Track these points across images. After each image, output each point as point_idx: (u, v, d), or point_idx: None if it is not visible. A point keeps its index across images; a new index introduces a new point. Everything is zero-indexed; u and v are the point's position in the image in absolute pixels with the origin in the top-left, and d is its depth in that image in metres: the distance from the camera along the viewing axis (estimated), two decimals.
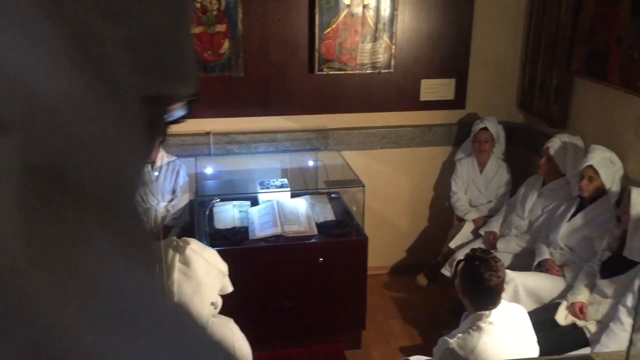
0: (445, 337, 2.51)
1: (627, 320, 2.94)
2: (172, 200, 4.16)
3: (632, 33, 3.33)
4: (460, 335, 2.41)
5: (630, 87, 3.37)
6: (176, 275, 2.13)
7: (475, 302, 2.48)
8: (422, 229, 4.86)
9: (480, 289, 2.45)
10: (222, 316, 2.32)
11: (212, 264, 2.26)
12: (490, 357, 2.30)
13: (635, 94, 3.33)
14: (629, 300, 2.97)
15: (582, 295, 3.26)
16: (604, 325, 3.06)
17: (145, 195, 4.09)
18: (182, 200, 4.18)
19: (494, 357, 2.30)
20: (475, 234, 4.35)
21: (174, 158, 4.18)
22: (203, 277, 2.18)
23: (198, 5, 3.98)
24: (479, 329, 2.39)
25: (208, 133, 4.29)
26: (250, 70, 4.22)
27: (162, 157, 4.13)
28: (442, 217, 4.74)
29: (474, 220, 4.38)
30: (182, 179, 4.18)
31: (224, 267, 2.41)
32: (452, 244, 4.37)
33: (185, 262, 2.17)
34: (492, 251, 3.96)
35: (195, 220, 3.88)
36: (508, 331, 2.44)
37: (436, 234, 4.73)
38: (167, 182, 4.14)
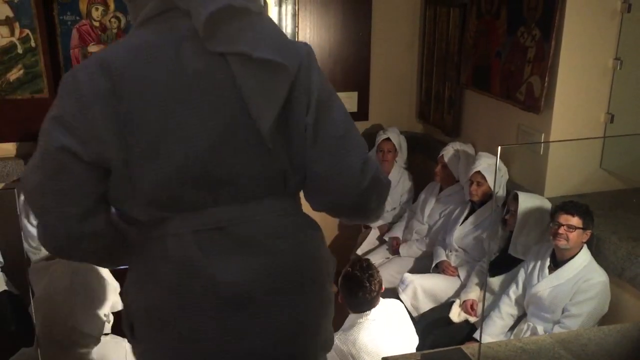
0: None
1: (505, 310, 3.18)
2: None
3: (508, 48, 3.61)
4: (341, 332, 2.55)
5: (510, 98, 3.64)
6: (67, 288, 2.16)
7: (354, 309, 2.64)
8: (332, 238, 5.01)
9: (356, 302, 2.62)
10: (115, 336, 2.35)
11: (107, 279, 2.30)
12: (371, 348, 2.46)
13: (514, 104, 3.61)
14: (512, 291, 3.21)
15: (473, 293, 3.48)
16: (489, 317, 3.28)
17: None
18: None
19: (374, 348, 2.46)
20: (381, 240, 4.53)
21: None
22: (96, 291, 2.22)
23: (97, 24, 3.98)
24: (359, 324, 2.55)
25: None
26: None
27: None
28: (351, 225, 4.91)
29: (379, 227, 4.56)
30: None
31: (116, 284, 2.45)
32: (359, 251, 4.53)
33: (78, 274, 2.21)
34: (390, 257, 4.18)
35: None
36: (387, 326, 2.60)
37: (345, 242, 4.88)
38: None
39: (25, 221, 4.00)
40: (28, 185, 1.27)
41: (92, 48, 4.03)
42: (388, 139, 4.51)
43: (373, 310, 2.58)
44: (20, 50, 3.89)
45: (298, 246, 1.37)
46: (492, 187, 3.68)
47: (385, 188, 1.44)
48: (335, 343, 2.47)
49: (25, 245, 3.99)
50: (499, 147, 1.33)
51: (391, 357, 1.97)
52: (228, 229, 1.30)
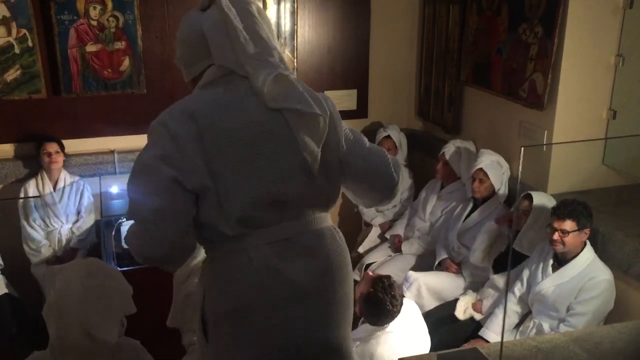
0: None
1: (510, 307, 3.18)
2: (77, 221, 4.08)
3: (509, 45, 3.61)
4: (359, 343, 2.53)
5: (511, 95, 3.64)
6: (82, 292, 2.14)
7: (368, 318, 2.62)
8: None
9: (376, 320, 2.61)
10: (129, 338, 2.33)
11: (121, 283, 2.28)
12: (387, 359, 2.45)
13: (516, 101, 3.61)
14: (517, 289, 3.21)
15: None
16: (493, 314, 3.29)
17: (49, 218, 4.00)
18: (88, 221, 4.11)
19: (391, 358, 2.44)
20: (382, 238, 4.53)
21: (76, 178, 4.10)
22: (112, 294, 2.21)
23: (95, 23, 3.95)
24: (377, 337, 2.54)
25: (112, 151, 4.24)
26: (152, 87, 4.21)
27: (65, 178, 4.04)
28: (351, 223, 4.90)
29: (380, 225, 4.55)
30: (87, 199, 4.11)
31: (129, 287, 2.43)
32: (361, 249, 4.53)
33: (93, 278, 2.19)
34: (397, 252, 4.16)
35: (101, 241, 3.82)
36: (404, 334, 2.59)
37: (346, 240, 4.86)
38: (70, 203, 4.05)
39: (24, 223, 3.97)
40: (146, 208, 1.55)
41: (90, 47, 3.99)
42: (388, 137, 4.51)
43: (391, 323, 2.57)
44: (17, 50, 3.85)
45: (336, 248, 1.77)
46: (494, 184, 3.69)
47: (398, 163, 1.91)
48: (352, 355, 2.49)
49: (25, 247, 3.96)
50: (522, 148, 1.33)
51: (407, 357, 1.96)
52: (293, 239, 1.67)
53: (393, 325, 2.56)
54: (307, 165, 1.64)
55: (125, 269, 3.38)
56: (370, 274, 2.73)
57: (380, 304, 2.53)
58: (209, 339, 1.70)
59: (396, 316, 2.58)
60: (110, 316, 2.06)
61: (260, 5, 1.72)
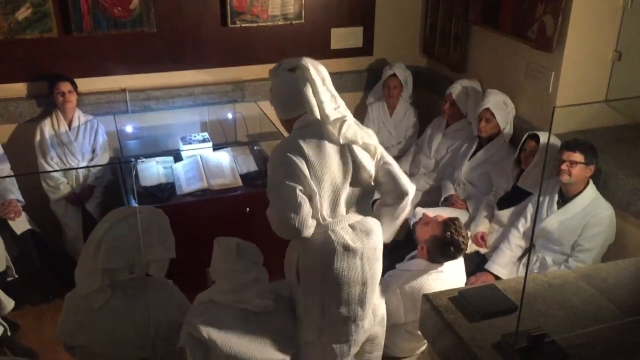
0: (393, 273, 2.85)
1: (514, 242, 3.39)
2: (92, 159, 4.18)
3: None
4: (411, 277, 2.76)
5: (520, 36, 3.71)
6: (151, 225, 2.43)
7: (435, 258, 2.80)
8: None
9: (441, 259, 2.79)
10: (161, 277, 2.51)
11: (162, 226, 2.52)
12: None
13: (525, 42, 3.68)
14: (521, 225, 3.41)
15: (482, 225, 3.68)
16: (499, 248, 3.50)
17: (65, 156, 4.09)
18: (103, 159, 4.21)
19: None
20: None
21: (90, 117, 4.17)
22: (168, 234, 2.49)
23: None
24: (429, 275, 2.76)
25: (124, 90, 4.29)
26: (162, 26, 4.21)
27: (79, 117, 4.11)
28: None
29: None
30: (101, 137, 4.19)
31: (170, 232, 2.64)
32: None
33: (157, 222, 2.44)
34: None
35: (120, 180, 3.94)
36: (452, 274, 2.80)
37: None
38: (86, 142, 4.14)
39: (42, 161, 4.06)
40: (290, 204, 2.25)
41: None
42: (394, 75, 4.57)
43: (446, 263, 2.77)
44: None
45: (379, 229, 2.48)
46: (500, 124, 3.82)
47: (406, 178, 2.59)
48: (402, 285, 2.71)
49: (44, 184, 4.07)
50: (554, 108, 1.42)
51: (432, 293, 2.15)
52: (356, 225, 2.41)
53: (446, 266, 2.77)
54: (361, 178, 2.39)
55: (145, 206, 3.51)
56: (431, 216, 2.90)
57: (454, 244, 2.73)
58: (300, 281, 2.44)
59: (461, 255, 2.80)
60: (165, 251, 2.30)
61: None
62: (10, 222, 3.78)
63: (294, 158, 2.26)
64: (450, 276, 2.82)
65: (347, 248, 2.35)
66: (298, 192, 2.25)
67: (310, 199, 2.30)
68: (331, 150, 2.31)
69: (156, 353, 2.38)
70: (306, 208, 2.26)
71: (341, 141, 2.32)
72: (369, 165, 2.39)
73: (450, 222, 2.78)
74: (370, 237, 2.40)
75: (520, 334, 1.84)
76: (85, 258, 2.41)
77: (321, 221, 2.33)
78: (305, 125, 2.34)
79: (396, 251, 3.18)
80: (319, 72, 2.38)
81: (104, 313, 2.37)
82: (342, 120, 2.34)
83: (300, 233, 2.28)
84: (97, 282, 2.35)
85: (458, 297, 2.11)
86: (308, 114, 2.34)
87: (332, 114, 2.34)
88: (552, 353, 1.84)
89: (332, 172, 2.32)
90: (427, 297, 2.16)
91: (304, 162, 2.26)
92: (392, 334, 2.87)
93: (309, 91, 2.33)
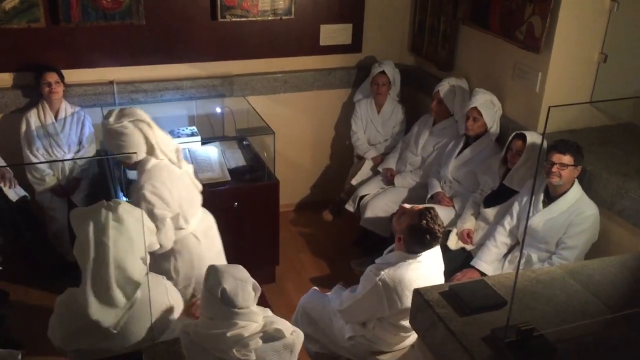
0: (373, 268, 2.85)
1: (500, 239, 3.44)
2: (78, 151, 4.15)
3: None
4: (390, 268, 2.75)
5: (508, 36, 3.76)
6: (111, 232, 2.26)
7: (412, 248, 2.81)
8: (325, 167, 5.17)
9: (417, 249, 2.79)
10: (154, 274, 2.49)
11: (141, 222, 2.40)
12: (413, 287, 2.67)
13: (513, 42, 3.73)
14: (507, 222, 3.46)
15: (469, 222, 3.73)
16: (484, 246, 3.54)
17: (51, 147, 4.05)
18: (90, 151, 4.17)
19: (416, 286, 2.67)
20: (374, 171, 4.71)
21: (77, 108, 4.13)
22: (134, 234, 2.33)
23: None
24: (408, 264, 2.75)
25: (111, 82, 4.26)
26: (151, 18, 4.19)
27: (66, 108, 4.07)
28: (343, 155, 5.07)
29: (372, 158, 4.73)
30: (88, 129, 4.16)
31: (152, 225, 2.57)
32: (354, 181, 4.71)
33: (118, 220, 2.30)
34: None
35: (108, 173, 3.91)
36: (430, 264, 2.82)
37: (338, 171, 5.06)
38: (72, 133, 4.10)
39: (27, 152, 4.02)
40: None
41: None
42: (383, 72, 4.60)
43: (423, 253, 2.78)
44: None
45: None
46: (487, 123, 3.86)
47: None
48: (382, 277, 2.70)
49: (29, 176, 4.03)
50: (549, 108, 1.43)
51: (423, 287, 2.18)
52: None
53: (424, 255, 2.78)
54: None
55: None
56: (407, 207, 2.88)
57: (430, 232, 2.73)
58: None
59: (437, 243, 2.82)
60: (136, 254, 2.25)
61: None
62: (5, 190, 3.73)
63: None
64: (428, 265, 2.83)
65: None
66: None
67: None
68: None
69: (154, 344, 2.37)
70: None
71: None
72: None
73: (425, 211, 2.79)
74: None
75: (509, 328, 1.87)
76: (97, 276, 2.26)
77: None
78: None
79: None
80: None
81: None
82: None
83: None
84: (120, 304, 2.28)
85: (449, 292, 2.14)
86: None
87: None
88: (540, 347, 1.88)
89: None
90: (418, 292, 2.19)
91: None
92: (376, 328, 2.90)
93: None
